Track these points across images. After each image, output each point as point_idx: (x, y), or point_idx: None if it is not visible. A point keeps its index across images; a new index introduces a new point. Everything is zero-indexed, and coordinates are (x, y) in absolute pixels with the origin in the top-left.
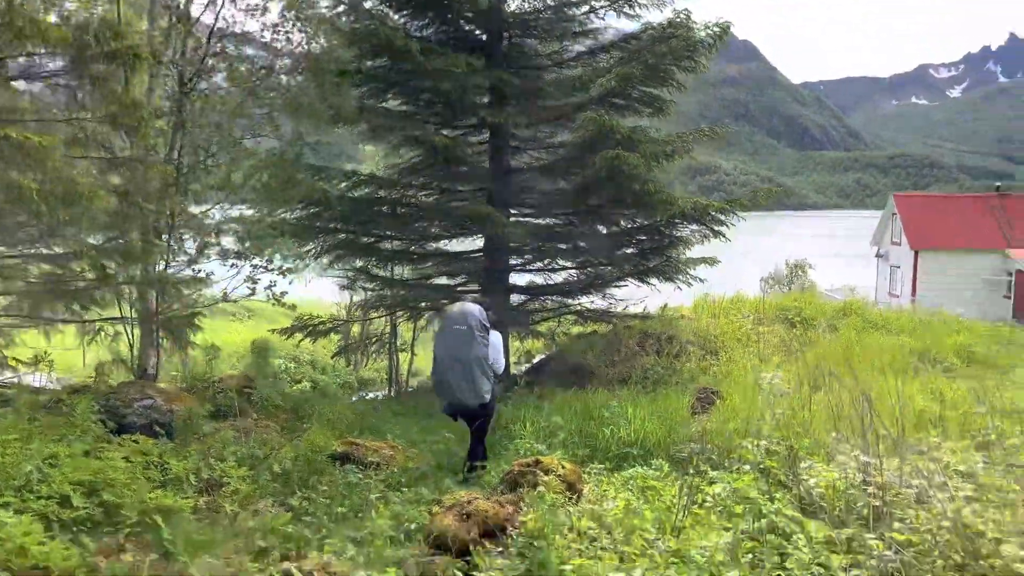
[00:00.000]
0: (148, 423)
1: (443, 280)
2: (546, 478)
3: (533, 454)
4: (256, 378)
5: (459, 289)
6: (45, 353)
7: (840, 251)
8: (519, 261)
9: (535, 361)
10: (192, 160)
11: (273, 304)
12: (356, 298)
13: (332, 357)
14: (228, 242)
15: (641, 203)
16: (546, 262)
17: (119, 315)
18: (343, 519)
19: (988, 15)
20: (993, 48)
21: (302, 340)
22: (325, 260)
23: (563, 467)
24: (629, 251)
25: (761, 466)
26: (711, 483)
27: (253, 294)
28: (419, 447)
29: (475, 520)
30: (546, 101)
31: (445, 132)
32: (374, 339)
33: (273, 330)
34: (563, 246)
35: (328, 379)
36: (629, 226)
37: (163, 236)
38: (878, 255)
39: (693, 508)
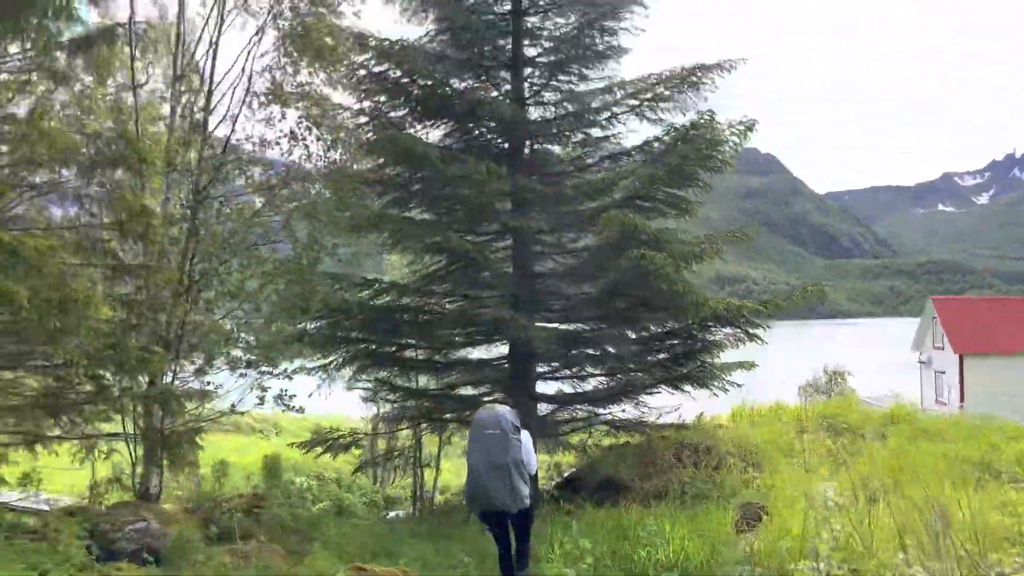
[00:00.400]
0: (139, 548)
1: (468, 390)
2: None
3: None
4: (267, 497)
5: (484, 400)
6: (34, 471)
7: (878, 358)
8: (546, 369)
9: (564, 476)
10: (205, 267)
11: (283, 411)
12: (382, 410)
13: (353, 473)
14: (240, 351)
15: (671, 305)
16: (574, 369)
17: (121, 430)
18: None
19: (1011, 123)
20: (1017, 155)
21: (322, 454)
22: (347, 371)
23: None
24: (660, 356)
25: None
26: None
27: (262, 403)
28: (435, 572)
29: None
30: (570, 206)
31: (468, 238)
32: (397, 453)
33: (292, 443)
34: (591, 351)
35: (353, 498)
36: (659, 330)
37: (170, 346)
38: (920, 361)
39: None
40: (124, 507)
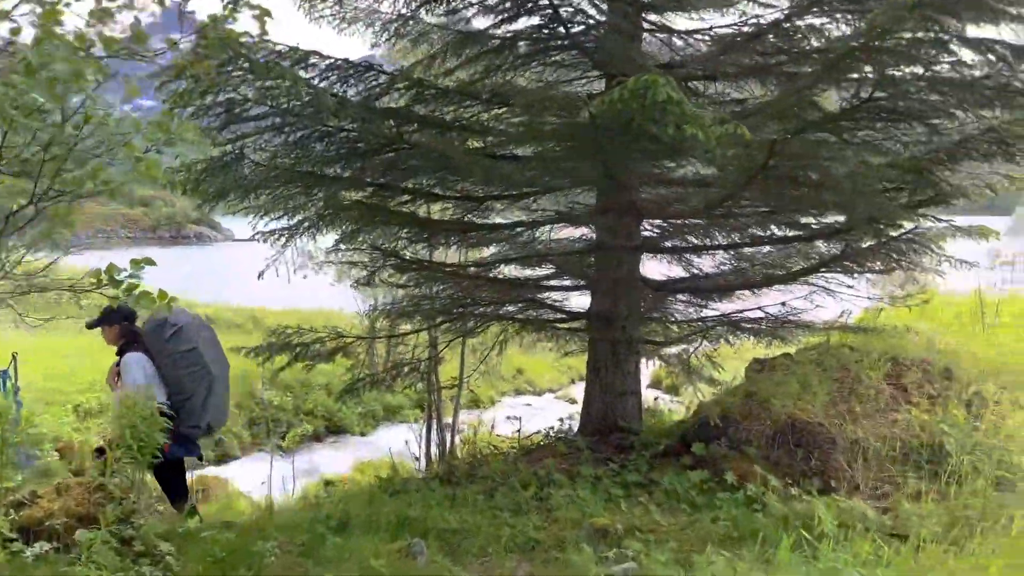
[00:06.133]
0: None
1: (515, 269)
2: None
3: None
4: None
5: (542, 284)
6: None
7: None
8: (653, 232)
9: (699, 416)
10: None
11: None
12: (383, 299)
13: (338, 398)
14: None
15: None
16: (685, 234)
17: None
18: None
19: None
20: None
21: (287, 366)
22: (325, 234)
23: None
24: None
25: None
26: None
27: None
28: None
29: None
30: None
31: None
32: (407, 367)
33: (240, 349)
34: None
35: (347, 410)
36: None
37: None
38: None
39: None
40: None
